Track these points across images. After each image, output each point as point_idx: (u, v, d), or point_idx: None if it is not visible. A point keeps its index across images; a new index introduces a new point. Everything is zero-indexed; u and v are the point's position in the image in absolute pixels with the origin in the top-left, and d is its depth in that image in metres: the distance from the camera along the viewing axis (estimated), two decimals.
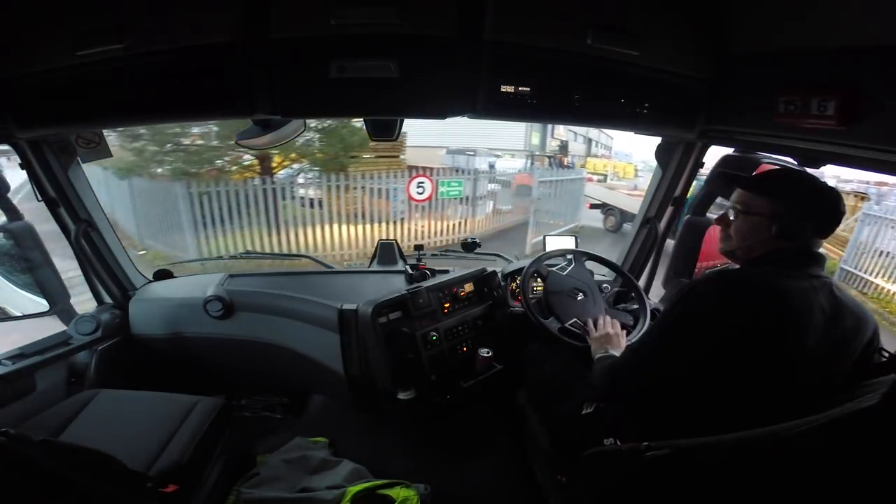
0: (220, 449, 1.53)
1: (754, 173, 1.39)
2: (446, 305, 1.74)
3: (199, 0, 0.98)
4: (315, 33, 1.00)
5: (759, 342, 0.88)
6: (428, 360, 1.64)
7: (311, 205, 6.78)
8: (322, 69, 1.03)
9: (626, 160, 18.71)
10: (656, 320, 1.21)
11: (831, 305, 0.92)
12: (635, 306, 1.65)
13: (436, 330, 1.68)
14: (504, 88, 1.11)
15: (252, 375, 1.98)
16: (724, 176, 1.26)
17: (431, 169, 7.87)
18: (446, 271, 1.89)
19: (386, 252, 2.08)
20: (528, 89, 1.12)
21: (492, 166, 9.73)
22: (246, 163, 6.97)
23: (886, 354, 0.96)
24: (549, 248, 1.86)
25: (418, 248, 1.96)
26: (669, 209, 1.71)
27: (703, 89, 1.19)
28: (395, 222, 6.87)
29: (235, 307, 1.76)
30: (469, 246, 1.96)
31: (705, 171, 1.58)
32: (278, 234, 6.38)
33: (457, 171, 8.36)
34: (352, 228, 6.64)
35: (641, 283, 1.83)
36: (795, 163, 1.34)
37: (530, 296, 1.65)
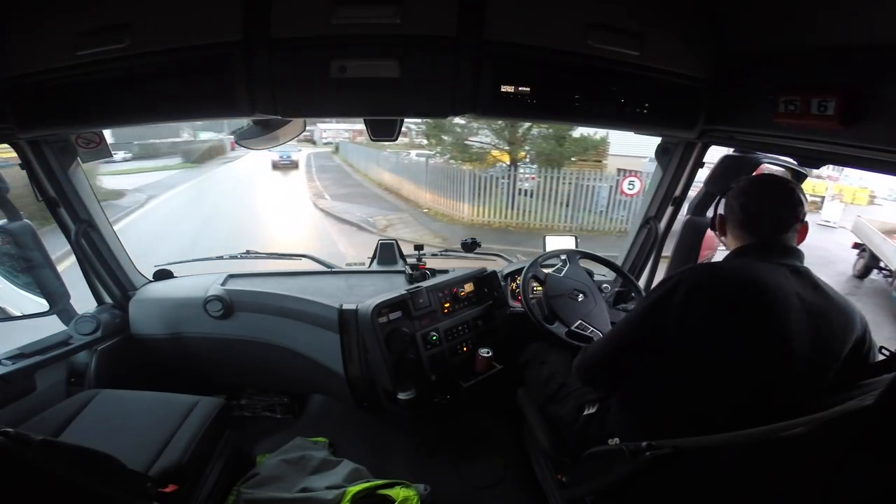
0: (220, 449, 1.53)
1: (753, 174, 1.39)
2: (446, 305, 1.74)
3: (200, 0, 0.98)
4: (315, 33, 1.00)
5: (735, 325, 0.90)
6: (428, 360, 1.64)
7: (526, 194, 9.12)
8: (322, 69, 1.03)
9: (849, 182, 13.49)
10: (632, 308, 1.25)
11: (813, 293, 0.93)
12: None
13: (436, 330, 1.68)
14: (504, 88, 1.11)
15: (252, 376, 1.98)
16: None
17: (638, 172, 9.56)
18: (446, 271, 1.89)
19: (386, 252, 2.07)
20: (528, 89, 1.12)
21: None
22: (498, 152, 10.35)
23: (887, 352, 0.96)
24: (548, 248, 1.86)
25: (418, 248, 1.96)
26: (669, 209, 1.72)
27: (703, 89, 1.19)
28: (598, 213, 8.97)
29: (235, 307, 1.76)
30: (469, 246, 1.96)
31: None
32: (512, 211, 9.24)
33: None
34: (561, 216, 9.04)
35: (641, 283, 1.83)
36: (795, 163, 1.35)
37: (530, 296, 1.64)
